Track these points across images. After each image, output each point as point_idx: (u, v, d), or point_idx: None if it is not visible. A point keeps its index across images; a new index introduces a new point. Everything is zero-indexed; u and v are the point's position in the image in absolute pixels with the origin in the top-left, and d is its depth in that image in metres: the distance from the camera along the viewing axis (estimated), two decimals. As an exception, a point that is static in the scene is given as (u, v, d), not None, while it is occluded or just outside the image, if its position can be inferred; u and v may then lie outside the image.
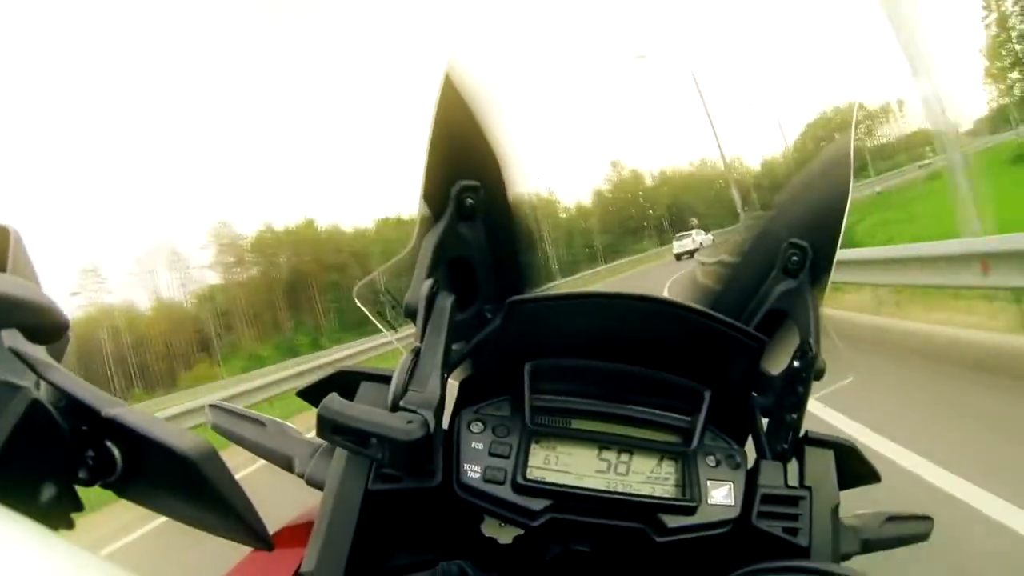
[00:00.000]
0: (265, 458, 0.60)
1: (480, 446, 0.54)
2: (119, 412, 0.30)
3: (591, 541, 0.57)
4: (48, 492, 0.28)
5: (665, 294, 0.57)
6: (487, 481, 0.53)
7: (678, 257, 33.97)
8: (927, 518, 0.66)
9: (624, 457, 0.55)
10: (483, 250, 0.59)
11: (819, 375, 0.56)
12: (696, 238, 34.62)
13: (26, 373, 0.29)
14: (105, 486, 0.31)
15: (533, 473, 0.54)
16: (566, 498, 0.53)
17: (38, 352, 0.31)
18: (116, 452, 0.30)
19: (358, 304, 0.58)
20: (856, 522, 0.63)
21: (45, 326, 0.31)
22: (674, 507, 0.54)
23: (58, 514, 0.28)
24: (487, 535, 0.58)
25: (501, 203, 0.58)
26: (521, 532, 0.56)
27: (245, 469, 3.03)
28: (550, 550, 0.57)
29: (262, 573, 0.54)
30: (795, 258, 0.60)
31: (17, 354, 0.29)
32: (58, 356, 0.32)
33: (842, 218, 0.58)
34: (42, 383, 0.29)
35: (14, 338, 0.30)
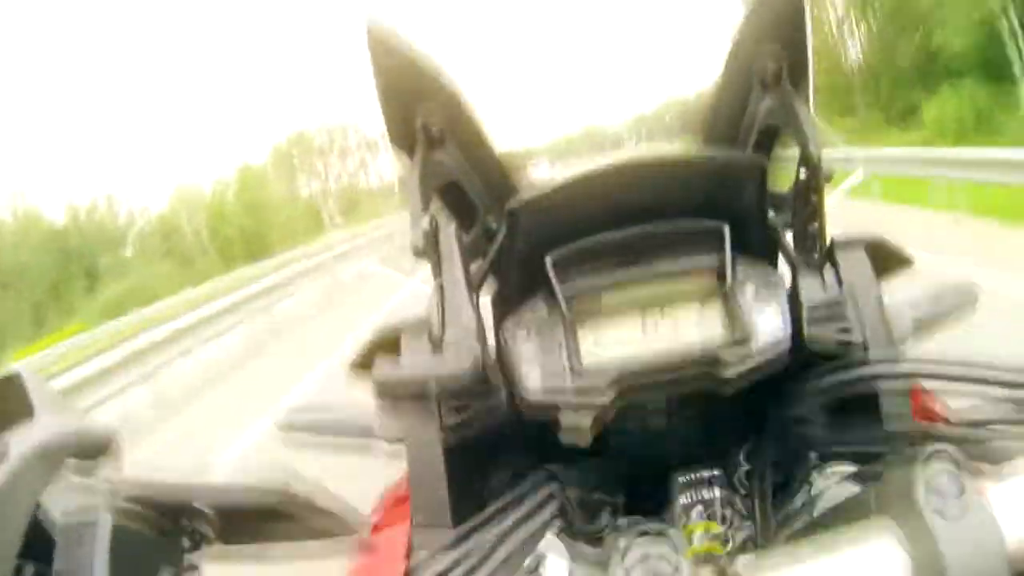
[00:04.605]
0: (345, 437, 0.63)
1: (530, 351, 0.55)
2: (198, 494, 0.31)
3: (663, 406, 0.59)
4: None
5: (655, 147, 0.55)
6: (547, 380, 0.54)
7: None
8: (969, 285, 0.66)
9: (667, 313, 0.56)
10: (465, 168, 0.59)
11: (828, 177, 0.54)
12: None
13: (95, 505, 0.29)
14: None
15: (587, 358, 0.54)
16: (626, 369, 0.54)
17: (97, 480, 0.31)
18: (207, 524, 0.32)
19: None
20: (902, 306, 0.63)
21: (96, 446, 0.32)
22: (728, 344, 0.54)
23: None
24: (564, 444, 0.60)
25: (465, 119, 0.57)
26: (595, 430, 0.58)
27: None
28: (627, 429, 0.59)
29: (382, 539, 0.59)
30: (771, 65, 0.58)
31: (81, 489, 0.30)
32: (116, 470, 0.33)
33: (806, 19, 0.56)
34: (116, 505, 0.30)
35: (68, 478, 0.30)
